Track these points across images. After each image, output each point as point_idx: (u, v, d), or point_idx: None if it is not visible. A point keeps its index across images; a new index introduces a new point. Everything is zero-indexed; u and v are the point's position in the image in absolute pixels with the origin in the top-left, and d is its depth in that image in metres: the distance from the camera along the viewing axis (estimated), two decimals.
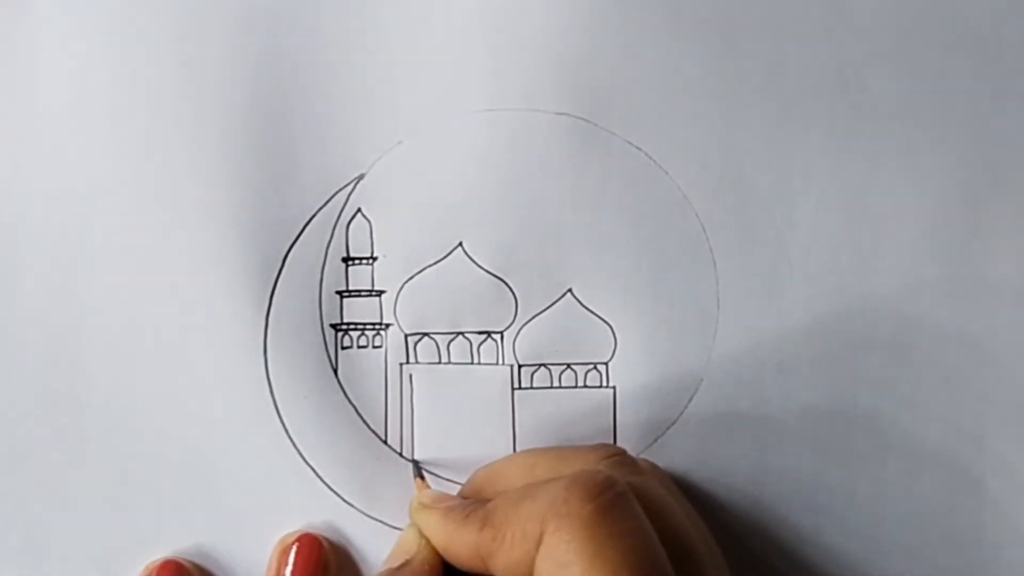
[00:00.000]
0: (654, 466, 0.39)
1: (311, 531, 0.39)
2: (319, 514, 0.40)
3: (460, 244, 0.41)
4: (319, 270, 0.40)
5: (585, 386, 0.41)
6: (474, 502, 0.36)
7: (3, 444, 0.40)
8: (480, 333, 0.41)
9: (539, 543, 0.31)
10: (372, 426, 0.40)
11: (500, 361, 0.41)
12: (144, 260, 0.40)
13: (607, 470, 0.33)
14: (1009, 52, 0.41)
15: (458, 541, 0.35)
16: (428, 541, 0.36)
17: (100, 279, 0.40)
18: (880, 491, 0.41)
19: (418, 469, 0.40)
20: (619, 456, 0.37)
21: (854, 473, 0.41)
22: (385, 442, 0.40)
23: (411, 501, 0.38)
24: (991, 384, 0.41)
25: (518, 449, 0.40)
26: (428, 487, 0.39)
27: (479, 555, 0.34)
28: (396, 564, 0.37)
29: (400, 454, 0.40)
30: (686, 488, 0.40)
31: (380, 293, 0.40)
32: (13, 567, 0.40)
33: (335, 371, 0.40)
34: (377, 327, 0.40)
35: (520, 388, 0.41)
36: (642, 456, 0.40)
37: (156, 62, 0.40)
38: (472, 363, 0.41)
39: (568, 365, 0.41)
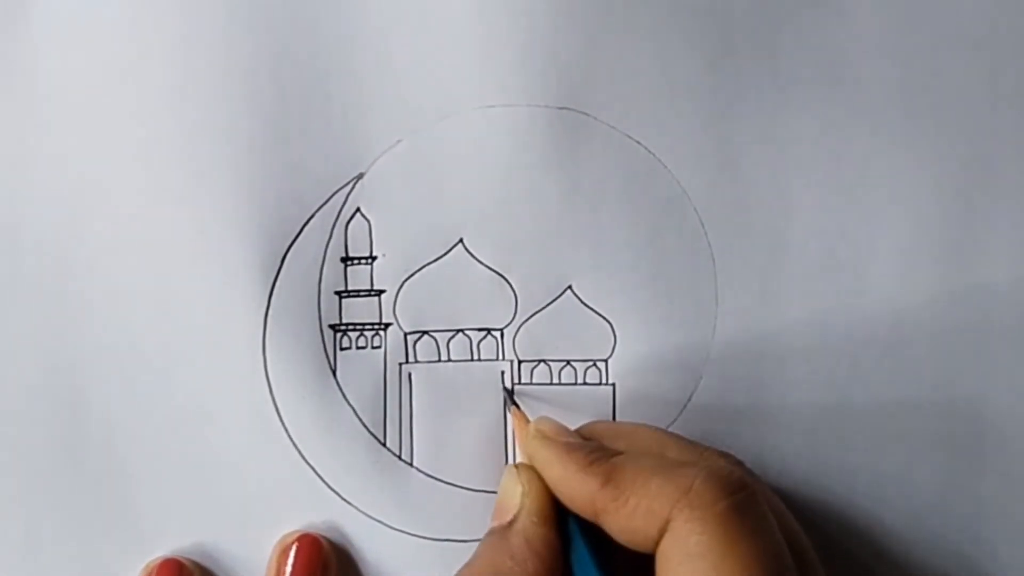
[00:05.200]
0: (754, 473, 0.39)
1: (311, 531, 0.39)
2: (319, 514, 0.40)
3: (461, 241, 0.40)
4: (318, 270, 0.40)
5: (585, 383, 0.41)
6: (597, 447, 0.35)
7: (3, 444, 0.40)
8: (480, 330, 0.41)
9: (665, 524, 0.31)
10: (371, 428, 0.40)
11: (500, 358, 0.41)
12: (143, 260, 0.40)
13: (737, 471, 0.33)
14: (1004, 47, 0.41)
15: (576, 486, 0.34)
16: (533, 491, 0.36)
17: (100, 279, 0.40)
18: (877, 487, 0.41)
19: (510, 396, 0.40)
20: (742, 464, 0.36)
21: (852, 468, 0.41)
22: (384, 444, 0.40)
23: (523, 427, 0.38)
24: (987, 378, 0.41)
25: (517, 448, 0.40)
26: (523, 413, 0.39)
27: (594, 507, 0.33)
28: (504, 521, 0.36)
29: (399, 456, 0.40)
30: None
31: (379, 293, 0.40)
32: (13, 567, 0.40)
33: (334, 372, 0.40)
34: (376, 327, 0.40)
35: (519, 385, 0.41)
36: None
37: (154, 62, 0.40)
38: (472, 360, 0.41)
39: (568, 362, 0.41)
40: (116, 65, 0.40)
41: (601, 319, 0.41)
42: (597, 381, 0.41)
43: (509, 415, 0.40)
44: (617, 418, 0.41)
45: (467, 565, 0.35)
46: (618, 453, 0.35)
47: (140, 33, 0.40)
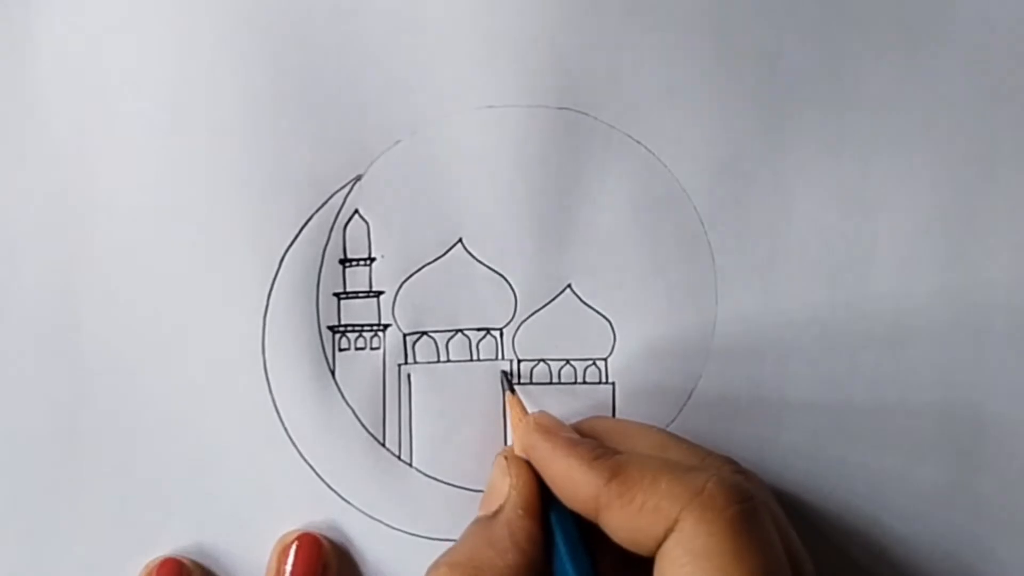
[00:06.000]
0: (761, 480, 0.39)
1: (311, 530, 0.40)
2: (319, 513, 0.40)
3: (460, 241, 0.40)
4: (316, 272, 0.40)
5: (584, 382, 0.41)
6: (599, 445, 0.35)
7: (3, 443, 0.40)
8: (479, 330, 0.41)
9: (673, 524, 0.31)
10: (370, 429, 0.40)
11: (499, 357, 0.41)
12: (142, 261, 0.40)
13: (743, 482, 0.33)
14: (1004, 45, 0.41)
15: (579, 481, 0.34)
16: (521, 484, 0.36)
17: (99, 280, 0.40)
18: (877, 485, 0.41)
19: (508, 381, 0.40)
20: (746, 473, 0.36)
21: (851, 467, 0.41)
22: (383, 445, 0.40)
23: (519, 416, 0.38)
24: (987, 377, 0.41)
25: (511, 436, 0.40)
26: (520, 402, 0.39)
27: (596, 503, 0.33)
28: (489, 511, 0.36)
29: (398, 456, 0.40)
30: None
31: (378, 294, 0.40)
32: (13, 566, 0.40)
33: (332, 373, 0.40)
34: (375, 328, 0.40)
35: (519, 384, 0.41)
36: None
37: (152, 63, 0.40)
38: (471, 360, 0.41)
39: (567, 361, 0.41)
40: (115, 66, 0.40)
41: (601, 318, 0.41)
42: (597, 380, 0.41)
43: (508, 409, 0.40)
44: (617, 416, 0.40)
45: (448, 552, 0.36)
46: (619, 452, 0.34)
47: (139, 34, 0.40)
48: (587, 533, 0.35)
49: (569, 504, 0.34)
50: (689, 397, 0.41)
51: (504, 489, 0.36)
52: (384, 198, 0.40)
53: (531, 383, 0.41)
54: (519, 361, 0.41)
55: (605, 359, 0.41)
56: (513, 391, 0.39)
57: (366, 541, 0.40)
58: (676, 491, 0.32)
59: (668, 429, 0.40)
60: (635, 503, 0.32)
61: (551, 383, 0.41)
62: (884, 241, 0.41)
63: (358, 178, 0.40)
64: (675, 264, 0.41)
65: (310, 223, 0.40)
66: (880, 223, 0.41)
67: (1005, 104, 0.41)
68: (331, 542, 0.40)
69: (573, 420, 0.40)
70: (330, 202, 0.40)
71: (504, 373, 0.40)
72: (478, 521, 0.36)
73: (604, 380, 0.41)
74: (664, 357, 0.41)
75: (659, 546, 0.32)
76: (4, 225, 0.40)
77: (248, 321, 0.40)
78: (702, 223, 0.41)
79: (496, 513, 0.36)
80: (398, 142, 0.40)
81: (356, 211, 0.40)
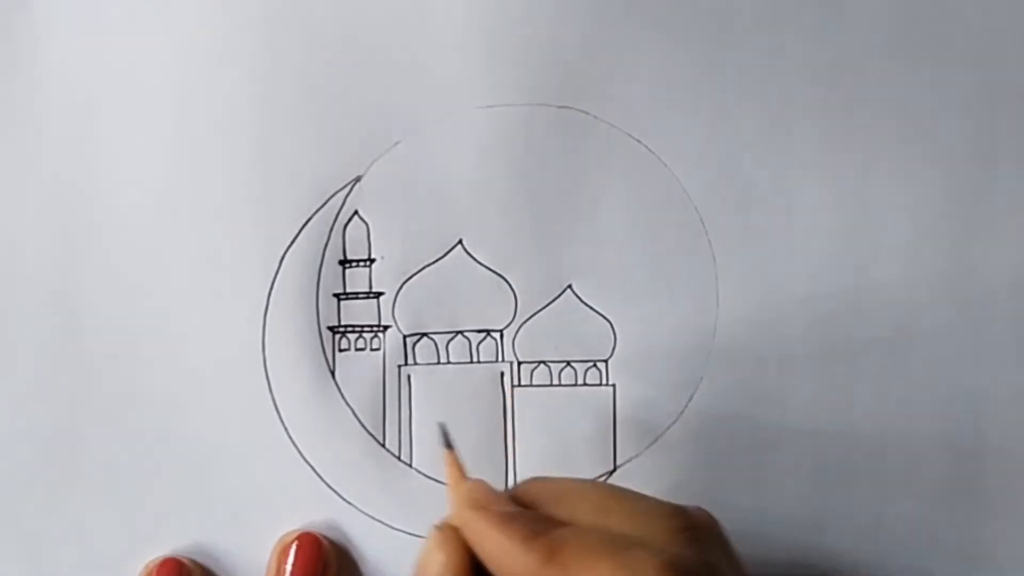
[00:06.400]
0: (712, 521, 0.36)
1: (311, 530, 0.40)
2: (319, 513, 0.40)
3: (460, 241, 0.40)
4: (316, 272, 0.40)
5: (585, 384, 0.41)
6: (536, 517, 0.33)
7: (3, 444, 0.40)
8: (479, 332, 0.41)
9: None
10: (370, 429, 0.40)
11: (500, 359, 0.41)
12: (143, 262, 0.40)
13: (687, 550, 0.31)
14: (1005, 45, 0.41)
15: (513, 561, 0.31)
16: (453, 563, 0.33)
17: (99, 281, 0.40)
18: (879, 488, 0.41)
19: (446, 437, 0.36)
20: (690, 531, 0.33)
21: (853, 471, 0.41)
22: (383, 445, 0.40)
23: (456, 479, 0.35)
24: (989, 380, 0.41)
25: (516, 446, 0.40)
26: (457, 461, 0.35)
27: None
28: None
29: (398, 457, 0.40)
30: (686, 486, 0.40)
31: (378, 295, 0.40)
32: (13, 566, 0.40)
33: (332, 374, 0.40)
34: (375, 329, 0.40)
35: (519, 386, 0.41)
36: (693, 504, 0.38)
37: (152, 65, 0.40)
38: (472, 362, 0.41)
39: (568, 363, 0.41)
40: (114, 67, 0.40)
41: (601, 319, 0.41)
42: (597, 382, 0.41)
43: (446, 468, 0.36)
44: (617, 418, 0.40)
45: None
46: (560, 524, 0.32)
47: (139, 36, 0.40)
48: None
49: None
50: (690, 399, 0.40)
51: (434, 568, 0.33)
52: (384, 199, 0.40)
53: (532, 385, 0.41)
54: (519, 363, 0.41)
55: (606, 360, 0.41)
56: (451, 447, 0.36)
57: (366, 541, 0.40)
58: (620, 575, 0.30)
59: (663, 435, 0.40)
60: None
61: (551, 385, 0.41)
62: (886, 242, 0.41)
63: (358, 179, 0.40)
64: (676, 265, 0.41)
65: (310, 224, 0.40)
66: (881, 224, 0.41)
67: (1006, 103, 0.41)
68: (331, 542, 0.40)
69: (573, 422, 0.40)
70: (330, 203, 0.40)
71: (441, 426, 0.36)
72: None
73: (605, 382, 0.41)
74: (665, 358, 0.41)
75: None
76: (4, 225, 0.40)
77: (248, 321, 0.40)
78: (703, 223, 0.41)
79: None
80: (397, 143, 0.40)
81: (356, 212, 0.40)
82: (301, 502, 0.40)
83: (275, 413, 0.40)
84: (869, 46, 0.41)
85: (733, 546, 0.36)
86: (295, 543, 0.39)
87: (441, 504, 0.40)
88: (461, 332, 0.41)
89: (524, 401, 0.40)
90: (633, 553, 0.30)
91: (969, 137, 0.41)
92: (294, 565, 0.39)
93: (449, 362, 0.41)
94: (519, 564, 0.31)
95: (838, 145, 0.41)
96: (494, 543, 0.32)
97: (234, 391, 0.40)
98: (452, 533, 0.34)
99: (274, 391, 0.40)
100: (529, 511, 0.33)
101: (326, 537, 0.40)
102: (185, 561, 0.39)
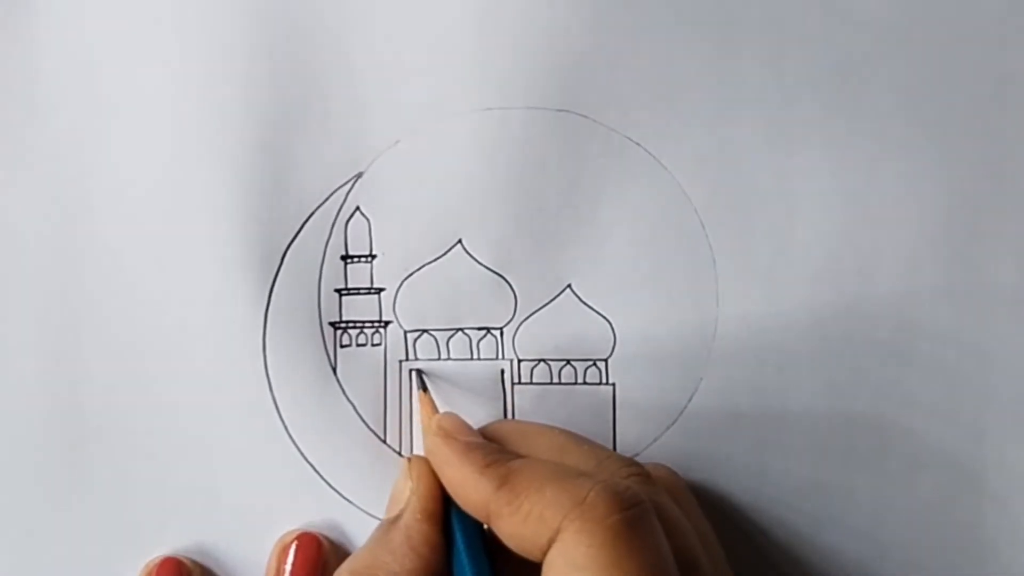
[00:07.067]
0: (673, 474, 0.39)
1: (310, 530, 0.40)
2: (319, 512, 0.40)
3: (459, 241, 0.41)
4: (318, 268, 0.40)
5: (584, 383, 0.41)
6: (497, 449, 0.35)
7: (3, 443, 0.40)
8: (480, 329, 0.41)
9: (555, 534, 0.31)
10: (371, 425, 0.40)
11: (500, 357, 0.41)
12: (143, 258, 0.40)
13: (634, 486, 0.32)
14: (1010, 51, 0.41)
15: (470, 487, 0.33)
16: (421, 488, 0.35)
17: (99, 278, 0.40)
18: (879, 490, 0.41)
19: (421, 380, 0.39)
20: (642, 475, 0.35)
21: (853, 472, 0.41)
22: (384, 441, 0.40)
23: (428, 416, 0.37)
24: (990, 383, 0.41)
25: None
26: (432, 401, 0.38)
27: (487, 510, 0.33)
28: (391, 516, 0.36)
29: (399, 453, 0.40)
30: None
31: (379, 291, 0.40)
32: (13, 566, 0.40)
33: (334, 369, 0.40)
34: (376, 325, 0.40)
35: (519, 384, 0.41)
36: (654, 461, 0.40)
37: (153, 62, 0.40)
38: (471, 359, 0.41)
39: (568, 361, 0.41)
40: (113, 65, 0.40)
41: (601, 318, 0.41)
42: (597, 381, 0.41)
43: (420, 407, 0.39)
44: (617, 417, 0.40)
45: (350, 558, 0.35)
46: (518, 456, 0.34)
47: (140, 34, 0.40)
48: (488, 538, 0.34)
49: (466, 509, 0.34)
50: (690, 399, 0.41)
51: (405, 493, 0.36)
52: (384, 196, 0.40)
53: (531, 383, 0.41)
54: (519, 361, 0.41)
55: (605, 360, 0.41)
56: (426, 390, 0.39)
57: (366, 539, 0.40)
58: (560, 499, 0.31)
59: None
60: (521, 511, 0.32)
61: (551, 383, 0.41)
62: (888, 244, 0.41)
63: (359, 175, 0.40)
64: (676, 266, 0.41)
65: (312, 219, 0.40)
66: (883, 227, 0.41)
67: (1010, 107, 0.41)
68: (331, 542, 0.40)
69: (573, 420, 0.40)
70: (331, 199, 0.40)
71: (418, 372, 0.39)
72: (380, 526, 0.36)
73: (604, 381, 0.41)
74: (665, 359, 0.41)
75: (544, 555, 0.31)
76: (4, 224, 0.40)
77: (249, 317, 0.40)
78: (703, 225, 0.41)
79: (397, 518, 0.35)
80: (398, 142, 0.40)
81: (357, 208, 0.40)
82: (301, 501, 0.40)
83: (275, 410, 0.40)
84: (871, 50, 0.41)
85: (694, 503, 0.38)
86: (295, 543, 0.39)
87: None
88: (461, 329, 0.41)
89: (524, 399, 0.40)
90: (578, 480, 0.32)
91: (972, 141, 0.41)
92: (294, 564, 0.39)
93: (450, 358, 0.41)
94: (474, 490, 0.33)
95: (839, 148, 0.41)
96: (455, 469, 0.34)
97: (234, 388, 0.40)
98: (421, 462, 0.36)
99: (274, 387, 0.40)
100: (491, 443, 0.35)
101: (326, 537, 0.40)
102: (185, 561, 0.39)
